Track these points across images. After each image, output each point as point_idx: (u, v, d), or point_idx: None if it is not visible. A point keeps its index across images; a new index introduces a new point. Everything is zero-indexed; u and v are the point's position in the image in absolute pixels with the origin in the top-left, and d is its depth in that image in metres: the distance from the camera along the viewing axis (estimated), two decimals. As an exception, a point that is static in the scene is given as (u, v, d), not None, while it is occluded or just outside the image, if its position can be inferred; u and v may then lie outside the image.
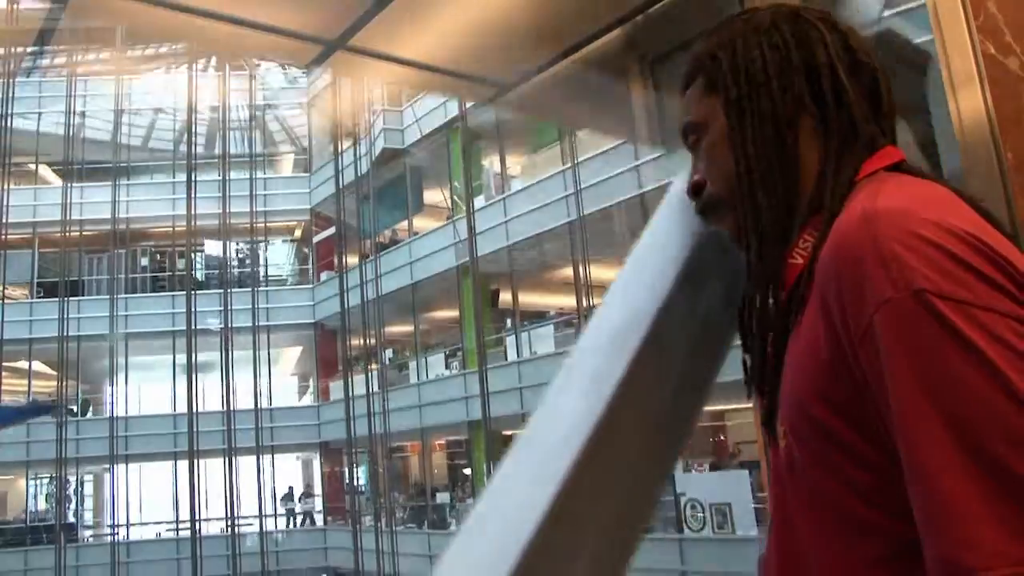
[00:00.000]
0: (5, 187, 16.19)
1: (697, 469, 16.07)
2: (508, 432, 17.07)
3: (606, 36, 2.14)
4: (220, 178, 18.98)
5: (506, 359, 18.36)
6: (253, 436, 18.44)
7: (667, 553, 13.67)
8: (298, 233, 26.72)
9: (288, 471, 24.66)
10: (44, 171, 25.19)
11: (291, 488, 23.87)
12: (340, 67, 2.33)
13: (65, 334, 18.22)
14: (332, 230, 22.66)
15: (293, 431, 22.82)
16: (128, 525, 21.13)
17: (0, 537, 21.47)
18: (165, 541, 21.11)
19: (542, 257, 18.43)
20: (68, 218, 19.28)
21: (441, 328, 23.44)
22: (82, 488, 24.40)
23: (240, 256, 25.02)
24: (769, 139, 0.82)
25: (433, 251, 19.89)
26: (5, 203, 15.97)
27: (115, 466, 20.72)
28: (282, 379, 25.56)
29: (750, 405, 0.99)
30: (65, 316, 18.37)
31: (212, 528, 19.43)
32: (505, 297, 20.04)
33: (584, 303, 15.93)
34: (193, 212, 17.60)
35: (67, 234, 19.55)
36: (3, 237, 16.43)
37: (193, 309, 17.35)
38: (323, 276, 24.25)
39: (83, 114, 22.88)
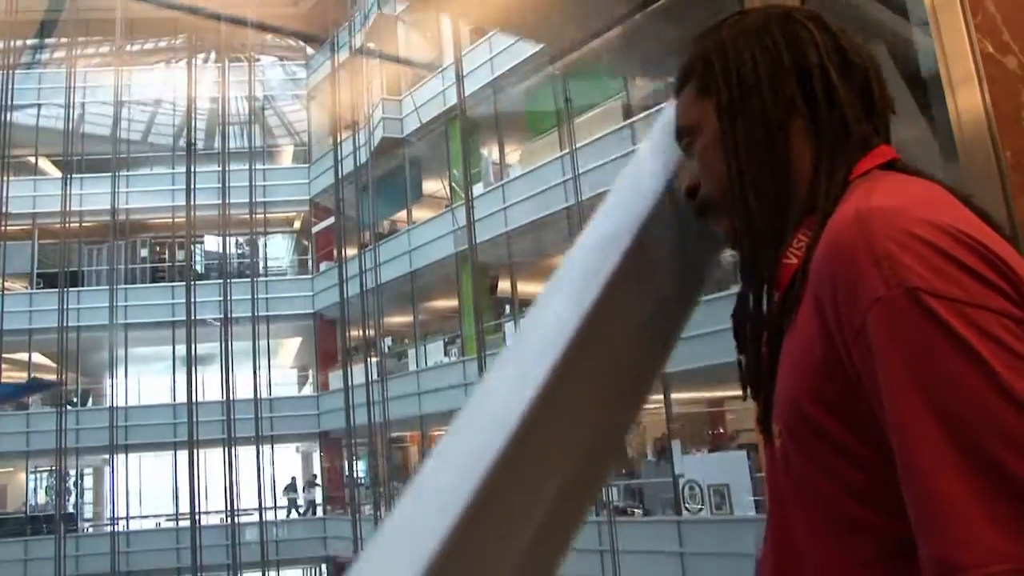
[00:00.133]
0: (5, 179, 16.16)
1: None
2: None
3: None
4: (220, 169, 18.98)
5: (505, 344, 18.28)
6: (253, 426, 18.42)
7: (666, 535, 13.69)
8: (297, 224, 26.72)
9: (288, 461, 24.64)
10: (44, 163, 25.22)
11: (294, 478, 23.86)
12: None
13: (65, 325, 18.19)
14: (331, 220, 22.65)
15: (293, 421, 22.78)
16: (128, 518, 21.13)
17: (1, 528, 21.47)
18: (165, 531, 21.09)
19: (540, 245, 18.42)
20: (68, 209, 19.26)
21: (440, 317, 23.42)
22: (82, 481, 24.37)
23: (240, 252, 25.05)
24: (760, 141, 0.82)
25: (432, 239, 19.91)
26: (5, 194, 15.94)
27: (115, 456, 20.70)
28: (282, 370, 25.55)
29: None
30: (65, 307, 18.31)
31: (212, 518, 19.40)
32: (504, 286, 20.04)
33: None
34: (193, 203, 17.61)
35: (67, 225, 19.52)
36: (3, 228, 16.43)
37: (193, 300, 17.34)
38: (322, 266, 24.22)
39: (83, 106, 22.92)
